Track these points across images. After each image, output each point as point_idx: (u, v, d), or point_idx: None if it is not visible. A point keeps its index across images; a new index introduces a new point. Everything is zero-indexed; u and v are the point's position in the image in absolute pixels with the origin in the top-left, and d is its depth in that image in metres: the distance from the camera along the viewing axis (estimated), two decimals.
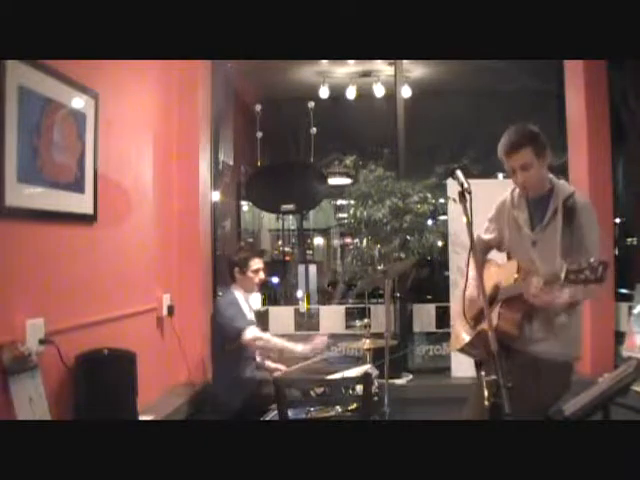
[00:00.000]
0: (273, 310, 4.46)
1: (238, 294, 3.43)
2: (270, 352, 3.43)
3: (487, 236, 2.58)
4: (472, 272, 2.50)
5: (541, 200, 2.32)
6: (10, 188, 2.04)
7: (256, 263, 3.44)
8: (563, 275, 1.90)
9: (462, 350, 2.50)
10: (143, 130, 3.33)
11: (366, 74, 5.37)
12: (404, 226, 3.99)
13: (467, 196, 1.97)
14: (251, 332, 3.23)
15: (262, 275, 3.49)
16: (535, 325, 2.26)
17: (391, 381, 3.55)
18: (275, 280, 5.46)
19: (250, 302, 3.55)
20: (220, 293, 4.26)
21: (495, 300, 2.33)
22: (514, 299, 2.22)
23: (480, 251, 2.58)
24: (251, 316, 3.43)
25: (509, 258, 2.46)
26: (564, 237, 2.23)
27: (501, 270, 2.40)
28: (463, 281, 2.56)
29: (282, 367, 3.45)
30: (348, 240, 6.74)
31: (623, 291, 3.83)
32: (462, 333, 2.49)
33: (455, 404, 2.44)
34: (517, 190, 2.43)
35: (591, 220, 2.26)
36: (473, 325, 2.42)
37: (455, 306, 2.69)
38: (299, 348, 3.34)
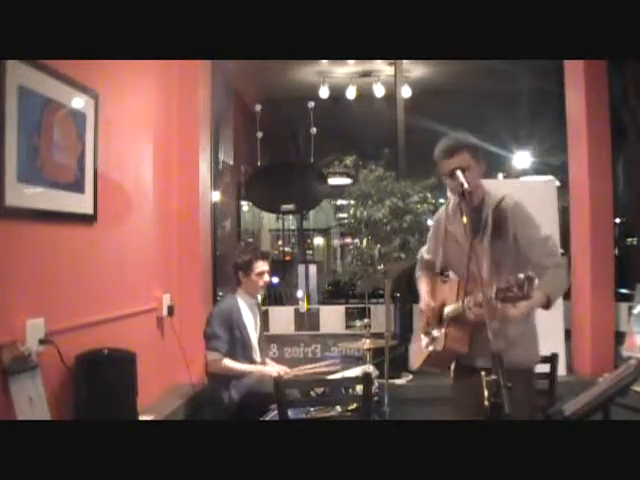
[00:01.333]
0: (273, 310, 4.46)
1: (240, 299, 3.37)
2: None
3: (428, 256, 2.56)
4: (423, 292, 2.52)
5: (475, 211, 2.25)
6: (10, 188, 2.03)
7: (260, 266, 3.36)
8: (494, 295, 1.89)
9: (420, 368, 2.48)
10: (143, 130, 3.33)
11: (366, 74, 5.38)
12: (404, 226, 3.99)
13: (467, 196, 1.98)
14: (211, 357, 3.21)
15: (266, 278, 3.40)
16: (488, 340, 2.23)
17: (391, 381, 3.55)
18: (275, 280, 5.46)
19: (256, 308, 3.47)
20: (220, 293, 4.26)
21: (442, 320, 2.31)
22: (458, 318, 2.20)
23: (425, 269, 2.59)
24: (251, 325, 3.37)
25: (454, 276, 2.41)
26: (498, 246, 2.19)
27: (446, 287, 2.37)
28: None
29: (286, 369, 3.44)
30: (348, 240, 6.75)
31: (623, 291, 3.84)
32: (418, 352, 2.47)
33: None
34: (451, 205, 2.38)
35: (521, 220, 2.21)
36: (425, 345, 2.40)
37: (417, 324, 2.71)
38: (258, 369, 3.28)
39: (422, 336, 2.45)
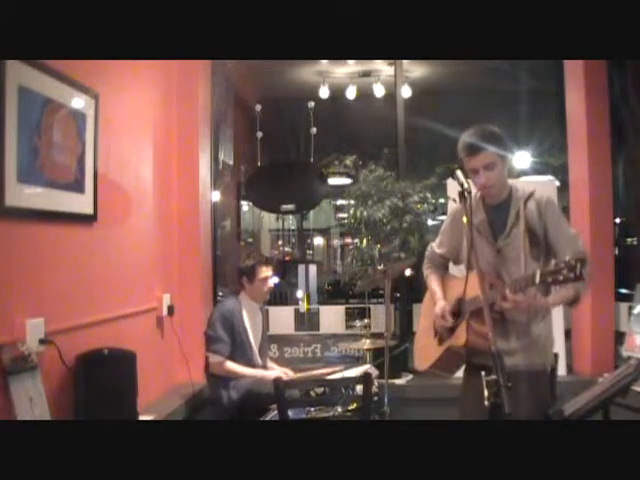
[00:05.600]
0: (273, 310, 4.45)
1: (243, 303, 3.36)
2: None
3: (441, 250, 2.50)
4: (436, 287, 2.46)
5: (500, 206, 2.25)
6: (10, 188, 2.03)
7: (264, 271, 3.35)
8: (538, 278, 1.86)
9: (429, 370, 2.40)
10: (143, 130, 3.32)
11: (366, 74, 5.38)
12: (404, 226, 4.00)
13: (467, 196, 1.97)
14: (214, 359, 3.21)
15: (270, 284, 3.40)
16: (507, 337, 2.18)
17: (391, 381, 3.55)
18: (275, 280, 5.46)
19: (259, 311, 3.46)
20: (220, 293, 4.26)
21: (461, 314, 2.24)
22: (481, 312, 2.08)
23: (436, 265, 2.54)
24: (252, 329, 3.35)
25: (468, 270, 2.24)
26: (530, 240, 2.17)
27: (461, 283, 2.17)
28: (428, 296, 2.50)
29: (289, 372, 3.44)
30: (348, 240, 6.76)
31: (623, 291, 3.84)
32: (428, 352, 2.40)
33: (455, 404, 2.43)
34: (473, 199, 2.28)
35: (556, 215, 2.21)
36: (439, 342, 2.34)
37: (419, 323, 2.62)
38: (262, 373, 3.28)
39: (432, 334, 2.37)
